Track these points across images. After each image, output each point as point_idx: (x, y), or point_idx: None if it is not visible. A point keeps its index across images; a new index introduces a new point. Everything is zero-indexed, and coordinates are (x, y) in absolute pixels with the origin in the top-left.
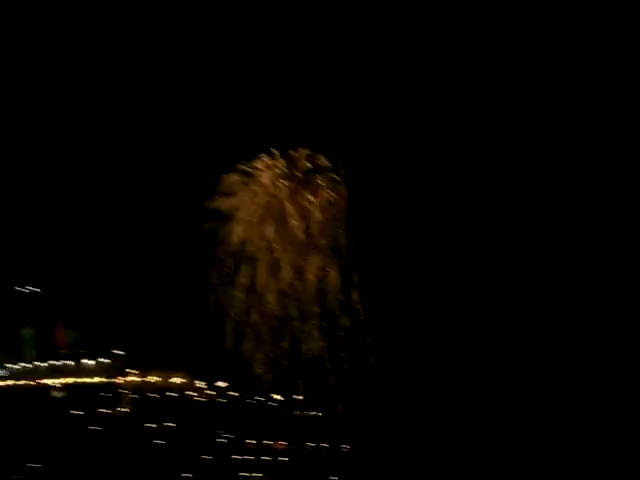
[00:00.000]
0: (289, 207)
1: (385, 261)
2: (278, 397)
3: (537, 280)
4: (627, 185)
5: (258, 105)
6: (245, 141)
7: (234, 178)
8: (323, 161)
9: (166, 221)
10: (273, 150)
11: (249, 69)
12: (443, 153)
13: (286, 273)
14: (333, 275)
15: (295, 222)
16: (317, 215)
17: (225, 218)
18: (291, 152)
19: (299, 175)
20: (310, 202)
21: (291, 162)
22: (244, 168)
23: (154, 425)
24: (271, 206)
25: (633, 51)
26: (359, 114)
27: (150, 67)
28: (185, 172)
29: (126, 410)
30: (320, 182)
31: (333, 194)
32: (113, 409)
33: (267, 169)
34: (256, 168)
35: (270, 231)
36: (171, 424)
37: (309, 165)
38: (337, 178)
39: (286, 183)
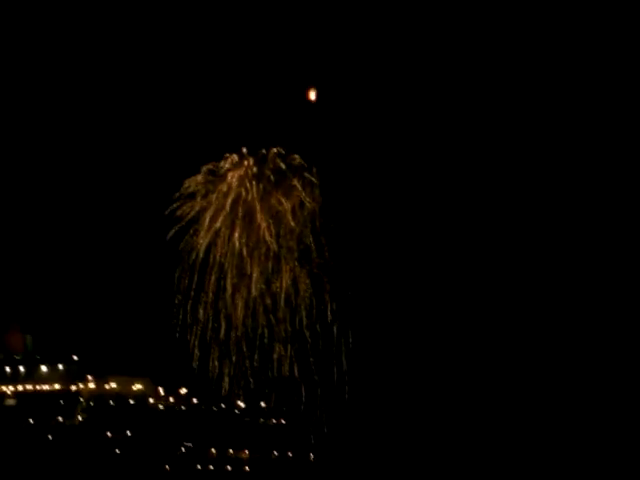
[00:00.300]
0: (259, 212)
1: (359, 268)
2: (242, 404)
3: (517, 293)
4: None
5: (227, 100)
6: (212, 140)
7: (199, 180)
8: (297, 160)
9: (126, 224)
10: (243, 149)
11: (217, 61)
12: (421, 156)
13: (255, 283)
14: (305, 284)
15: (265, 228)
16: (289, 220)
17: (189, 224)
18: (263, 151)
19: (271, 176)
20: (282, 206)
21: (262, 162)
22: (210, 169)
23: (113, 434)
24: (240, 211)
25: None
26: (336, 112)
27: (106, 59)
28: (145, 174)
29: (84, 418)
30: (294, 183)
31: (307, 196)
32: (70, 417)
33: (236, 170)
34: (223, 169)
35: (238, 238)
36: (131, 433)
37: (282, 165)
38: (313, 179)
39: (256, 185)
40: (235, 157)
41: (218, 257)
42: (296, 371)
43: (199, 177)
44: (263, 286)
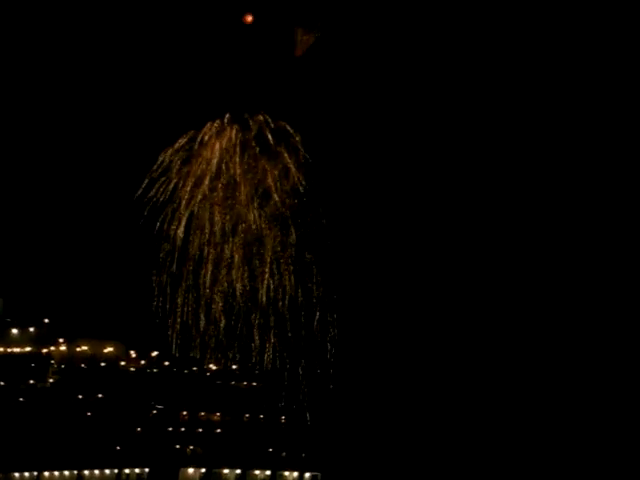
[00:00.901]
0: (242, 184)
1: (347, 253)
2: (213, 367)
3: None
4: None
5: (208, 63)
6: (191, 106)
7: (176, 153)
8: (283, 127)
9: (101, 197)
10: (226, 116)
11: (201, 23)
12: (409, 125)
13: (237, 271)
14: (286, 264)
15: (249, 203)
16: (273, 193)
17: (165, 204)
18: (247, 117)
19: (254, 143)
20: (266, 176)
21: (246, 130)
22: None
23: (85, 396)
24: (221, 184)
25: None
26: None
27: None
28: (117, 145)
29: (55, 381)
30: (279, 150)
31: (292, 164)
32: (42, 380)
33: (217, 139)
34: (206, 136)
35: (219, 223)
36: (102, 395)
37: (269, 137)
38: (301, 152)
39: (240, 155)
40: (217, 124)
41: (197, 241)
42: (277, 359)
43: (176, 148)
44: (247, 280)
